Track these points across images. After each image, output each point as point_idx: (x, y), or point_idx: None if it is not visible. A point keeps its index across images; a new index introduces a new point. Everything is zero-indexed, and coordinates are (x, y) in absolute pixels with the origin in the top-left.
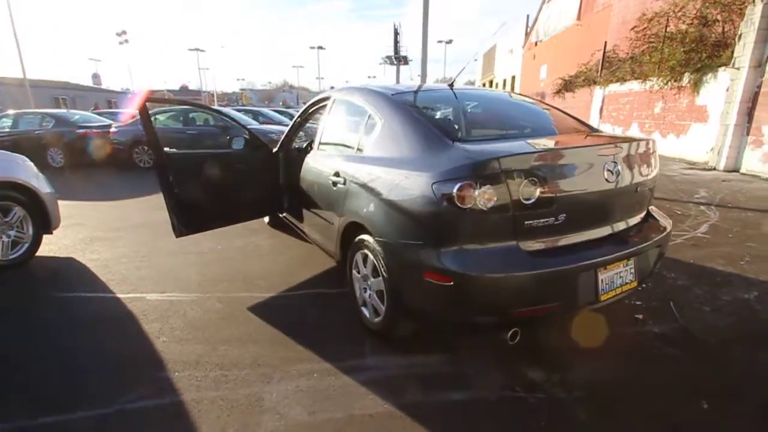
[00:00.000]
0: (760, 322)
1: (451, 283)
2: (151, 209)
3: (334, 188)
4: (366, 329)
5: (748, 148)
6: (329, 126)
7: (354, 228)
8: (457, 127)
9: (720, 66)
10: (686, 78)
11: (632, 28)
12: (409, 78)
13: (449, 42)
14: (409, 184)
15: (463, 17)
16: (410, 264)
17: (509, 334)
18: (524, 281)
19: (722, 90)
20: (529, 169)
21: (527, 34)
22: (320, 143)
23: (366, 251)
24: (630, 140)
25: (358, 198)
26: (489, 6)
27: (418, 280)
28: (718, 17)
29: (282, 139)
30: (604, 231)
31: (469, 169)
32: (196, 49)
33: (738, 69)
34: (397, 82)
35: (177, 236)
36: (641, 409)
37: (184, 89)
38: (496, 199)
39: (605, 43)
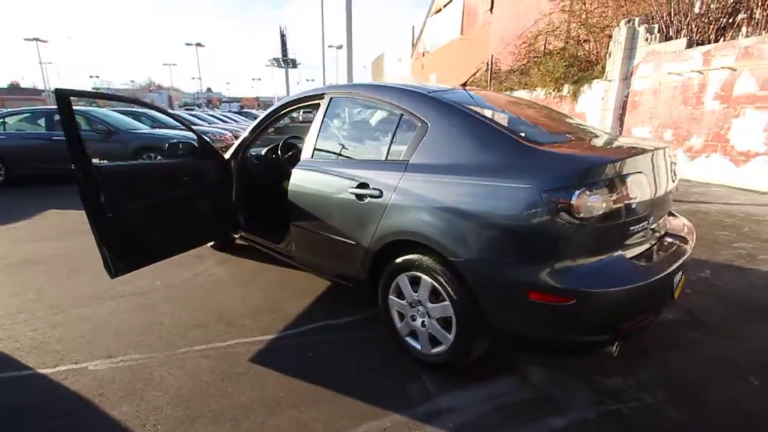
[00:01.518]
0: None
1: (571, 302)
2: (32, 239)
3: (361, 202)
4: (416, 363)
5: None
6: (331, 130)
7: (391, 248)
8: (517, 130)
9: (594, 78)
10: (566, 88)
11: (522, 44)
12: (297, 83)
13: (339, 47)
14: (503, 195)
15: (354, 24)
16: (506, 284)
17: (614, 348)
18: (638, 292)
19: (598, 99)
20: (632, 173)
21: (414, 45)
22: (315, 150)
23: (418, 273)
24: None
25: (410, 213)
26: (376, 16)
27: (518, 302)
28: (588, 38)
29: (237, 144)
30: (663, 229)
31: (583, 175)
32: (35, 39)
33: (610, 81)
34: (287, 85)
35: (113, 276)
36: (723, 396)
37: (14, 86)
38: (610, 206)
39: (492, 56)
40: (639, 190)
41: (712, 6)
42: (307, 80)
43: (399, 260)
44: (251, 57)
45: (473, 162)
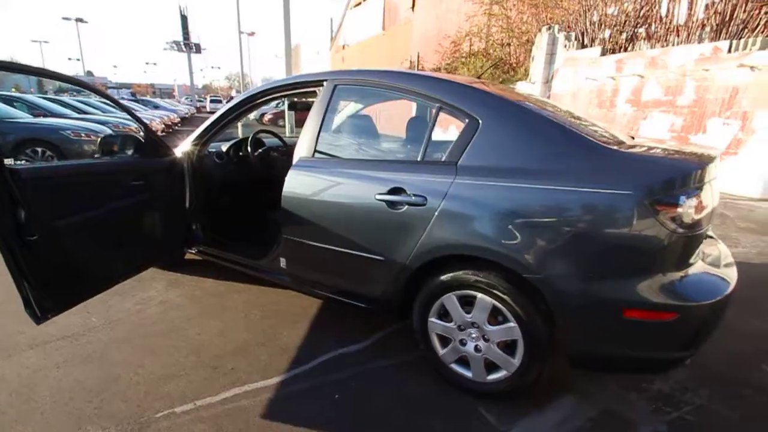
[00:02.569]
0: None
1: (673, 318)
2: None
3: (396, 211)
4: (465, 392)
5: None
6: (337, 124)
7: (433, 263)
8: (583, 129)
9: (518, 80)
10: None
11: (451, 43)
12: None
13: (252, 34)
14: (593, 202)
15: (267, 9)
16: (597, 302)
17: (687, 361)
18: (726, 302)
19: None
20: (708, 181)
21: (333, 38)
22: (317, 147)
23: (473, 292)
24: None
25: (470, 223)
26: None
27: (609, 321)
28: (509, 41)
29: (193, 139)
30: None
31: (684, 180)
32: None
33: (533, 83)
34: (190, 72)
35: (40, 321)
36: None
37: None
38: (699, 214)
39: (418, 53)
40: (710, 199)
41: (620, 18)
42: (212, 67)
43: (445, 277)
44: (145, 39)
45: (545, 165)
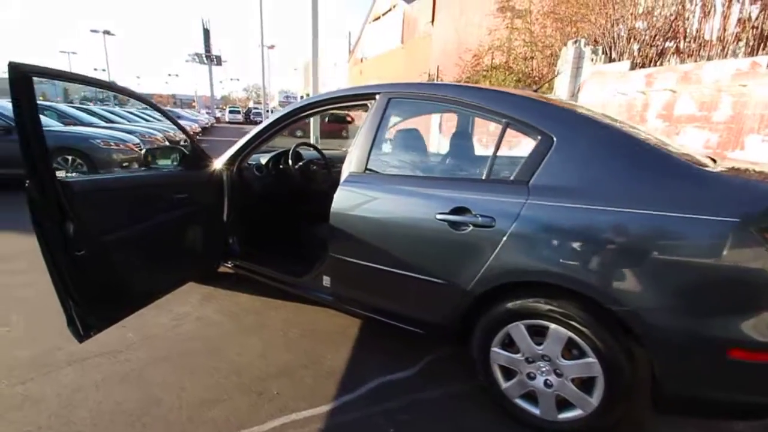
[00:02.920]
0: None
1: None
2: None
3: (459, 232)
4: (532, 430)
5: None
6: (392, 138)
7: (498, 288)
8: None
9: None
10: None
11: (474, 56)
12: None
13: (271, 47)
14: (692, 230)
15: (286, 23)
16: (696, 340)
17: None
18: None
19: None
20: None
21: (351, 51)
22: (369, 163)
23: (545, 322)
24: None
25: (545, 248)
26: (307, 19)
27: (710, 361)
28: (533, 55)
29: (234, 151)
30: None
31: None
32: None
33: (558, 97)
34: (211, 83)
35: (83, 338)
36: None
37: None
38: None
39: (438, 67)
40: None
41: (650, 32)
42: (231, 79)
43: (513, 305)
44: (169, 51)
45: (633, 188)
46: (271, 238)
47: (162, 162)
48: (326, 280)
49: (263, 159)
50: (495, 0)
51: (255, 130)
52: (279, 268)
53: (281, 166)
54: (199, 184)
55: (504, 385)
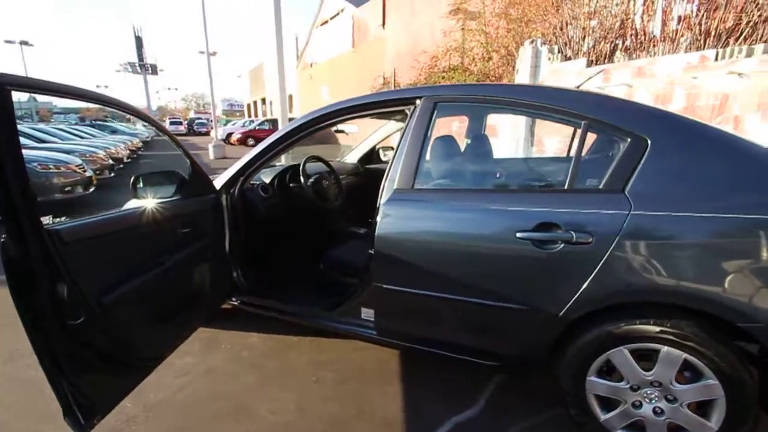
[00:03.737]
0: None
1: None
2: None
3: (546, 251)
4: None
5: (533, 152)
6: (442, 146)
7: (595, 313)
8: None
9: None
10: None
11: (432, 58)
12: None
13: (214, 54)
14: None
15: (225, 29)
16: None
17: None
18: None
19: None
20: None
21: (299, 56)
22: (417, 175)
23: (656, 345)
24: None
25: (657, 264)
26: (249, 22)
27: None
28: (491, 55)
29: (235, 171)
30: None
31: None
32: None
33: None
34: (147, 94)
35: (84, 429)
36: None
37: None
38: None
39: (394, 70)
40: None
41: (602, 31)
42: (169, 89)
43: (616, 328)
44: (96, 61)
45: (743, 191)
46: (283, 267)
47: (156, 190)
48: (366, 313)
49: (266, 177)
50: (447, 2)
51: (263, 144)
52: (297, 300)
53: (291, 184)
54: (203, 214)
55: (603, 417)
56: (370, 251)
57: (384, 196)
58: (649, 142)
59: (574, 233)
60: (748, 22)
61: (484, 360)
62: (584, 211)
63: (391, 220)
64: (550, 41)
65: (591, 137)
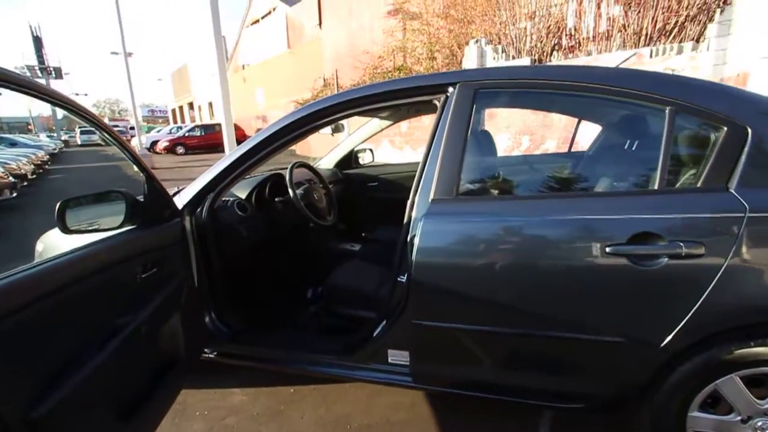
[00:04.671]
0: None
1: None
2: None
3: (645, 268)
4: None
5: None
6: (489, 146)
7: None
8: None
9: None
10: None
11: (378, 58)
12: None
13: (130, 55)
14: None
15: (140, 28)
16: None
17: None
18: None
19: None
20: None
21: (230, 57)
22: (459, 189)
23: None
24: None
25: None
26: (170, 22)
27: None
28: (434, 56)
29: (204, 184)
30: None
31: None
32: None
33: None
34: None
35: None
36: None
37: None
38: None
39: (336, 71)
40: None
41: (542, 31)
42: (78, 94)
43: (725, 353)
44: None
45: None
46: (271, 303)
47: (95, 219)
48: (397, 356)
49: (240, 191)
50: (386, 2)
51: (239, 150)
52: (294, 345)
53: (277, 199)
54: (169, 246)
55: None
56: (399, 279)
57: (417, 210)
58: (749, 130)
59: (683, 245)
60: (676, 23)
61: (559, 404)
62: (689, 216)
63: (432, 239)
64: (493, 41)
65: (654, 126)
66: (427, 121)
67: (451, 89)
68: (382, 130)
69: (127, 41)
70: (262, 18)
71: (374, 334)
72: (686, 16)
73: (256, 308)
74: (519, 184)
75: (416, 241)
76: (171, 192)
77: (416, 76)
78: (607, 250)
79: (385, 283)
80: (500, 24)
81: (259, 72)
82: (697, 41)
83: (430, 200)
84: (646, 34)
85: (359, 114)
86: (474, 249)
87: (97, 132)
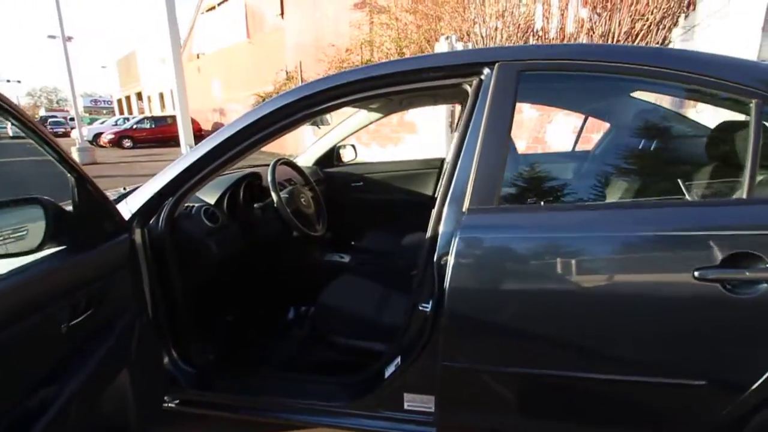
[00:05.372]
0: None
1: None
2: None
3: (742, 296)
4: None
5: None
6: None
7: None
8: None
9: None
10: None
11: (346, 50)
12: None
13: (69, 39)
14: None
15: (88, 11)
16: None
17: None
18: None
19: (427, 109)
20: None
21: (183, 45)
22: (500, 196)
23: None
24: None
25: None
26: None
27: None
28: (404, 52)
29: (164, 186)
30: None
31: None
32: None
33: None
34: None
35: None
36: None
37: None
38: None
39: (300, 62)
40: None
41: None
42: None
43: None
44: None
45: None
46: (250, 335)
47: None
48: (415, 402)
49: (207, 196)
50: None
51: (209, 143)
52: (282, 389)
53: (256, 205)
54: (113, 275)
55: None
56: (422, 307)
57: (446, 223)
58: None
59: None
60: (643, 26)
61: None
62: None
63: (471, 260)
64: (463, 38)
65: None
66: (395, 118)
67: (486, 71)
68: (371, 123)
69: (66, 24)
70: (219, 5)
71: (386, 375)
72: (652, 20)
73: (229, 342)
74: (578, 189)
75: (449, 261)
76: (113, 197)
77: (439, 54)
78: (696, 274)
79: (387, 303)
80: (471, 22)
81: (215, 62)
82: (662, 45)
83: (464, 210)
84: (613, 37)
85: (363, 100)
86: (528, 272)
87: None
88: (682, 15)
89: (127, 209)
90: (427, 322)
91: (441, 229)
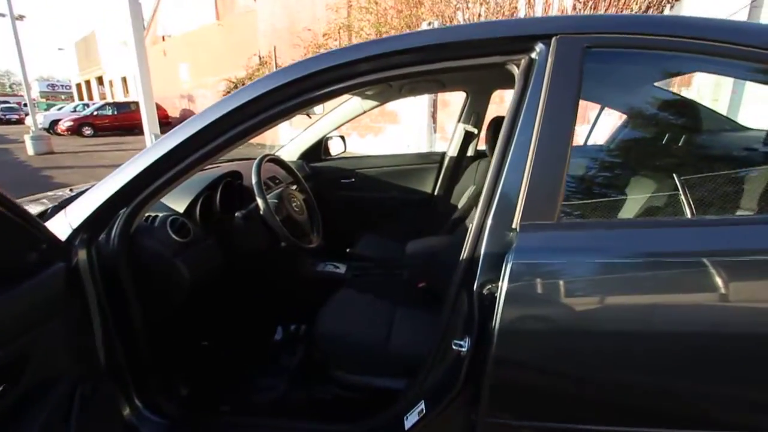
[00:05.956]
0: None
1: None
2: None
3: None
4: None
5: (438, 140)
6: (619, 138)
7: None
8: None
9: None
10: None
11: (324, 35)
12: None
13: (21, 18)
14: None
15: None
16: None
17: None
18: None
19: (410, 99)
20: None
21: (147, 27)
22: (562, 210)
23: None
24: None
25: None
26: None
27: None
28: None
29: (118, 190)
30: None
31: None
32: None
33: None
34: None
35: None
36: None
37: None
38: None
39: (274, 47)
40: None
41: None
42: None
43: None
44: None
45: None
46: (231, 373)
47: None
48: None
49: (175, 203)
50: None
51: (180, 133)
52: None
53: (237, 214)
54: (42, 325)
55: None
56: (455, 345)
57: (490, 242)
58: None
59: None
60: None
61: None
62: None
63: (528, 293)
64: (445, 24)
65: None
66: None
67: (540, 46)
68: (364, 112)
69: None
70: None
71: (407, 426)
72: (638, 10)
73: (206, 382)
74: (673, 198)
75: (500, 293)
76: (35, 210)
77: (477, 24)
78: None
79: (393, 325)
80: (453, 7)
81: (182, 45)
82: None
83: (514, 227)
84: None
85: (373, 83)
86: (605, 308)
87: None
88: (668, 5)
89: (66, 222)
90: (463, 364)
91: (483, 249)
